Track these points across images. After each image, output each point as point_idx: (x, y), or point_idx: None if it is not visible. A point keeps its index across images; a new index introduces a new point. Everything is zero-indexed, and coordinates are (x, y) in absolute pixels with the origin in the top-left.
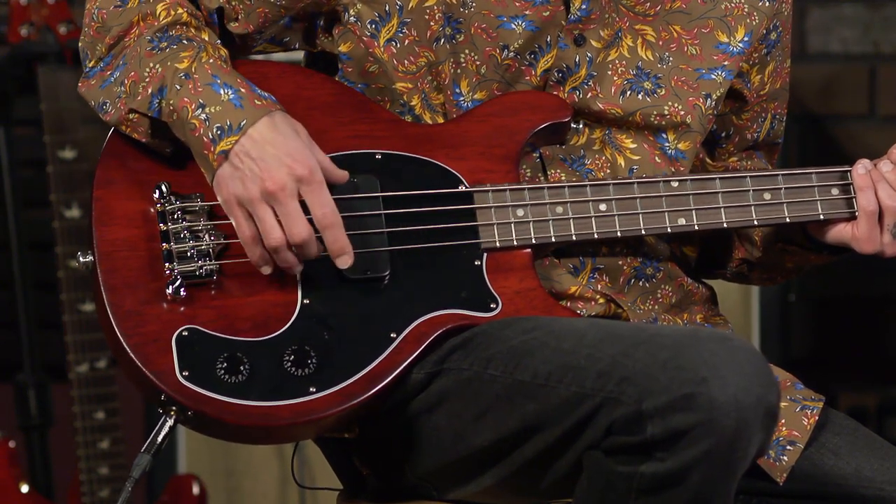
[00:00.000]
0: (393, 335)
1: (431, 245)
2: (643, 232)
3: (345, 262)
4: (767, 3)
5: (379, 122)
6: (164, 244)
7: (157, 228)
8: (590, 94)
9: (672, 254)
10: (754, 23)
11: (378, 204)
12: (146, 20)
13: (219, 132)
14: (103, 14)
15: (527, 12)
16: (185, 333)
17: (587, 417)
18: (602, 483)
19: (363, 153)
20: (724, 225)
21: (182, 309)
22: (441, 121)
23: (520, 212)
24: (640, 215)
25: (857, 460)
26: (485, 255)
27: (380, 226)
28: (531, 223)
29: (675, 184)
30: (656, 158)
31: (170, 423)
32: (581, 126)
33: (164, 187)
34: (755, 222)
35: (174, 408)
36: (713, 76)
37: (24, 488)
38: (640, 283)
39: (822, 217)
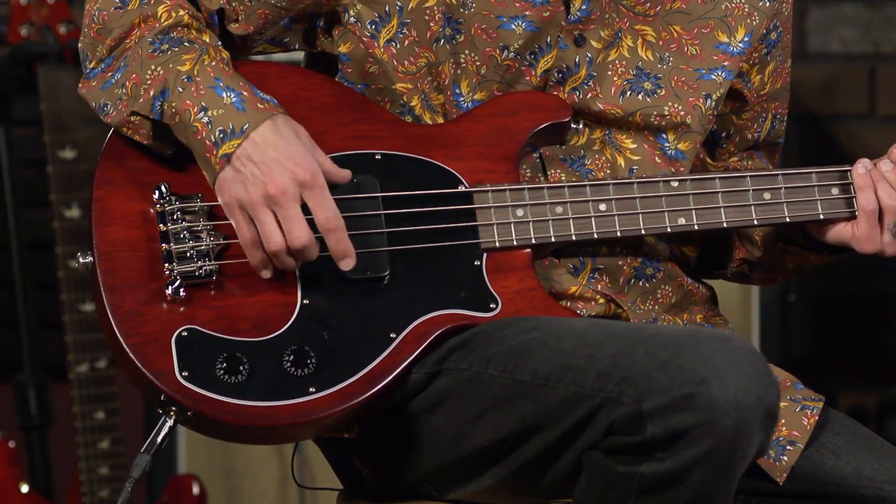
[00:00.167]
0: (392, 335)
1: (431, 245)
2: (643, 232)
3: (348, 264)
4: (768, 3)
5: (379, 122)
6: (163, 244)
7: (156, 229)
8: (590, 95)
9: (672, 254)
10: (754, 23)
11: (378, 204)
12: (147, 22)
13: (221, 135)
14: (104, 15)
15: (527, 13)
16: (185, 334)
17: (587, 417)
18: (602, 483)
19: (363, 153)
20: (724, 225)
21: (182, 309)
22: (441, 121)
23: (519, 212)
24: (640, 215)
25: (857, 460)
26: (484, 255)
27: (380, 226)
28: (531, 223)
29: (675, 184)
30: (656, 159)
31: (169, 423)
32: (581, 126)
33: (163, 188)
34: (755, 222)
35: (174, 408)
36: (713, 76)
37: (24, 488)
38: (640, 283)
39: (821, 217)
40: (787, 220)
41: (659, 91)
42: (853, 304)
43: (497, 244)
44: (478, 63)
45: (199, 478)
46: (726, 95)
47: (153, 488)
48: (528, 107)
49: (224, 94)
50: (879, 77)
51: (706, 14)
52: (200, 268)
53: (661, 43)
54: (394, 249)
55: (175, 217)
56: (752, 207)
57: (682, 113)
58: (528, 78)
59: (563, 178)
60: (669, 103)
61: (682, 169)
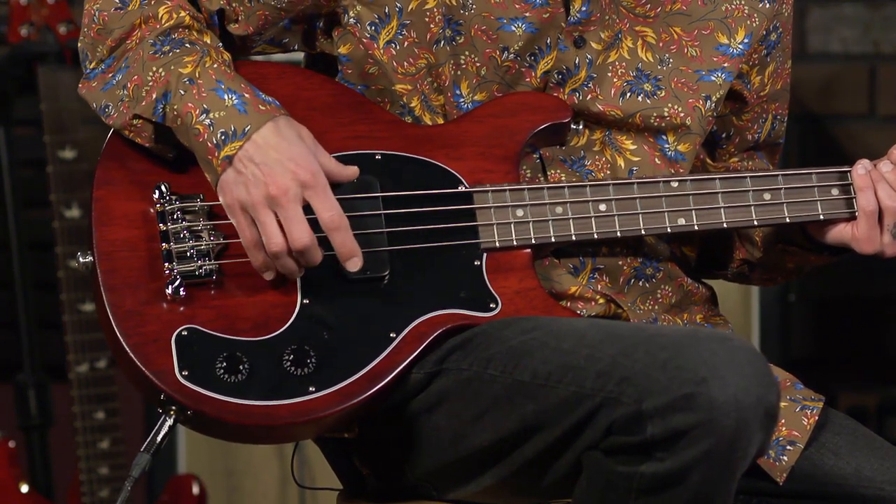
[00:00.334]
0: (392, 335)
1: (431, 245)
2: (643, 232)
3: (354, 264)
4: (767, 5)
5: (378, 122)
6: (163, 244)
7: (156, 228)
8: (590, 96)
9: (672, 254)
10: (754, 24)
11: (378, 204)
12: (148, 23)
13: (223, 137)
14: (104, 16)
15: (526, 14)
16: (185, 333)
17: (587, 417)
18: (602, 483)
19: (363, 154)
20: (724, 225)
21: (182, 309)
22: (441, 122)
23: (519, 212)
24: (640, 215)
25: (857, 460)
26: (484, 255)
27: (380, 226)
28: (531, 223)
29: (675, 184)
30: (656, 160)
31: (169, 422)
32: (581, 127)
33: (163, 187)
34: (755, 222)
35: (174, 407)
36: (713, 78)
37: (24, 488)
38: (640, 284)
39: (821, 217)
40: (787, 220)
41: (659, 92)
42: (853, 305)
43: (497, 244)
44: (478, 64)
45: (199, 477)
46: (726, 96)
47: (153, 488)
48: (529, 107)
49: (226, 97)
50: (879, 77)
51: (706, 15)
52: (200, 267)
53: (660, 44)
54: (394, 249)
55: (175, 217)
56: (753, 208)
57: (682, 114)
58: (528, 79)
59: (563, 179)
60: (669, 105)
61: (681, 170)
